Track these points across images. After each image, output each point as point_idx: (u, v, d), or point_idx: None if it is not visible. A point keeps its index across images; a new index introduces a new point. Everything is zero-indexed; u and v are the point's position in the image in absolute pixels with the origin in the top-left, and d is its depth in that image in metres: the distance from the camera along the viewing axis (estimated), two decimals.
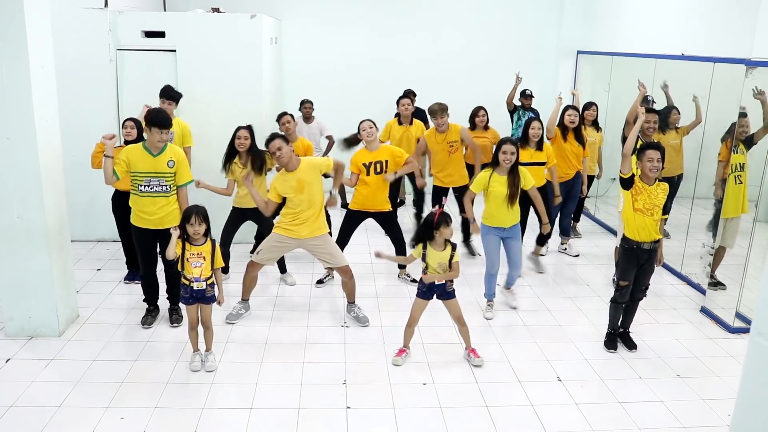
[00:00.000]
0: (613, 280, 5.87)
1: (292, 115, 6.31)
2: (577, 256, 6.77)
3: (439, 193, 6.29)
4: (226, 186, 5.50)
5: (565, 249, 6.85)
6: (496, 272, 5.26)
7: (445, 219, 4.22)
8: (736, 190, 5.30)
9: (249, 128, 5.43)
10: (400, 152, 5.59)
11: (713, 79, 5.82)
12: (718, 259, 5.48)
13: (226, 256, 5.71)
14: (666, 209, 4.61)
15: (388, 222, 5.71)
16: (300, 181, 4.79)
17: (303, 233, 4.88)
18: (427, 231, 4.28)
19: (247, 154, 5.40)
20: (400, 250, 5.75)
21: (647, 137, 5.70)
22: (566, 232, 6.83)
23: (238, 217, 5.61)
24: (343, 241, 5.66)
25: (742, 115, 5.06)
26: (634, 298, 4.74)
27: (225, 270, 5.76)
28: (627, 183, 4.47)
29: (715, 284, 5.42)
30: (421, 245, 4.34)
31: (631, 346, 4.75)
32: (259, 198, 4.92)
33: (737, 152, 5.21)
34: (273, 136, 4.85)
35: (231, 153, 5.45)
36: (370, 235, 7.12)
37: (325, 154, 7.32)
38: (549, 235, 6.00)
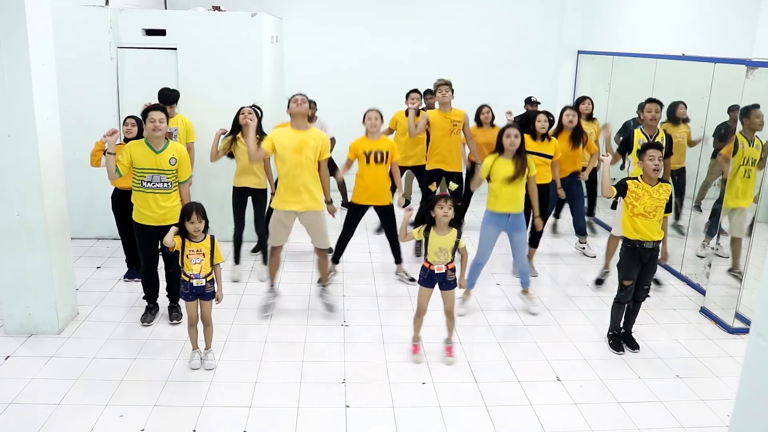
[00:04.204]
0: (601, 278, 5.88)
1: None
2: (594, 257, 6.68)
3: (433, 177, 6.30)
4: (219, 149, 5.68)
5: (584, 248, 6.80)
6: (484, 263, 5.26)
7: (440, 200, 4.21)
8: (744, 183, 5.21)
9: (254, 108, 5.52)
10: (396, 149, 5.66)
11: (714, 79, 5.81)
12: (737, 251, 5.33)
13: (239, 241, 5.86)
14: (668, 208, 4.57)
15: (386, 214, 5.75)
16: (303, 141, 4.85)
17: (298, 206, 4.92)
18: (425, 211, 4.30)
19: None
20: (394, 244, 5.82)
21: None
22: (582, 231, 6.75)
23: (239, 198, 5.76)
24: (347, 234, 5.75)
25: (755, 106, 4.98)
26: (637, 298, 4.72)
27: (237, 259, 5.91)
28: (621, 192, 4.53)
29: (739, 276, 5.30)
30: (422, 227, 4.32)
31: (634, 346, 4.74)
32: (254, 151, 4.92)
33: (752, 146, 5.12)
34: (297, 94, 5.03)
35: (234, 129, 5.61)
36: (369, 234, 7.13)
37: None
38: (540, 233, 6.00)
